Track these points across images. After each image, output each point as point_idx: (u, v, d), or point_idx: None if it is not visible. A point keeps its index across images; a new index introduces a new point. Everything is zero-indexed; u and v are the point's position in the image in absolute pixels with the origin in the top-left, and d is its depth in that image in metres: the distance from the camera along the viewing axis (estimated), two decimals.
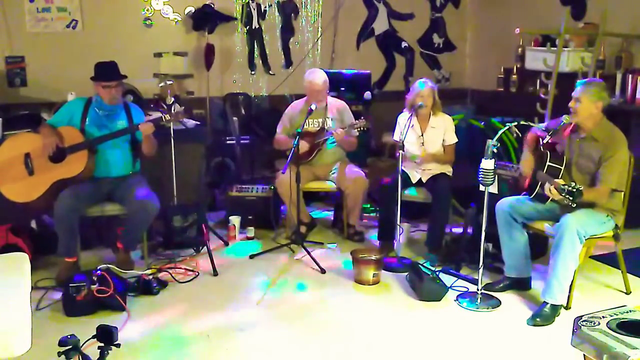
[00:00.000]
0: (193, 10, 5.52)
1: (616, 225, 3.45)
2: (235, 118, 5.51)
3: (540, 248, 4.04)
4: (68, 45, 5.22)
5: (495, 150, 3.29)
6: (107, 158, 3.91)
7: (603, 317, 2.38)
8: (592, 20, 5.19)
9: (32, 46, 5.11)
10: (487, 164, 3.28)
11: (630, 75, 4.81)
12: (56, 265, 3.86)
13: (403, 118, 4.30)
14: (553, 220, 3.47)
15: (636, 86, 4.74)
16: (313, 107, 4.29)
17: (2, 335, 2.13)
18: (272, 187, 4.73)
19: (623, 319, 2.36)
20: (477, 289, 3.52)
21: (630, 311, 2.44)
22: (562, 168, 3.41)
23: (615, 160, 3.28)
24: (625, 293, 3.63)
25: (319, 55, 6.15)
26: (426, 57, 6.74)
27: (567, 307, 3.39)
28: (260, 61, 5.95)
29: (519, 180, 3.72)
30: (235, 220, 4.65)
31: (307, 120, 4.37)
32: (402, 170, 4.04)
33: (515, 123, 3.61)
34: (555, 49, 5.05)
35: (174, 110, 4.06)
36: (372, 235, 4.62)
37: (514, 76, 5.70)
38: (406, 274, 3.83)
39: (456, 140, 4.31)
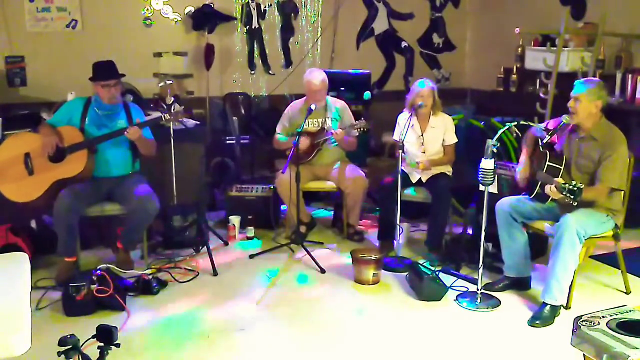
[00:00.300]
0: (193, 10, 5.52)
1: (616, 225, 3.45)
2: (235, 118, 5.51)
3: (540, 248, 4.04)
4: (68, 45, 5.23)
5: (495, 150, 3.29)
6: (107, 158, 3.91)
7: (603, 317, 2.38)
8: (592, 20, 5.19)
9: (32, 46, 5.11)
10: (487, 164, 3.28)
11: (630, 75, 4.82)
12: (56, 265, 3.86)
13: (403, 118, 4.30)
14: (553, 220, 3.47)
15: (636, 86, 4.75)
16: (313, 107, 4.29)
17: (2, 335, 2.13)
18: (272, 187, 4.74)
19: (623, 319, 2.36)
20: (477, 289, 3.52)
21: (630, 311, 2.44)
22: (562, 168, 3.40)
23: (614, 160, 3.28)
24: (625, 293, 3.63)
25: (319, 55, 6.15)
26: (426, 57, 6.74)
27: (567, 307, 3.39)
28: (260, 61, 5.96)
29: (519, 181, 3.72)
30: (235, 220, 4.65)
31: (307, 120, 4.37)
32: (402, 170, 4.04)
33: (515, 123, 3.61)
34: (555, 49, 5.05)
35: (174, 110, 4.06)
36: (373, 234, 4.62)
37: (514, 76, 5.71)
38: (406, 274, 3.83)
39: (456, 140, 4.30)
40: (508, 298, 3.58)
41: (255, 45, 5.91)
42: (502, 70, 5.92)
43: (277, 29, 5.98)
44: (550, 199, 3.37)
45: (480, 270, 3.50)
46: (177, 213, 4.37)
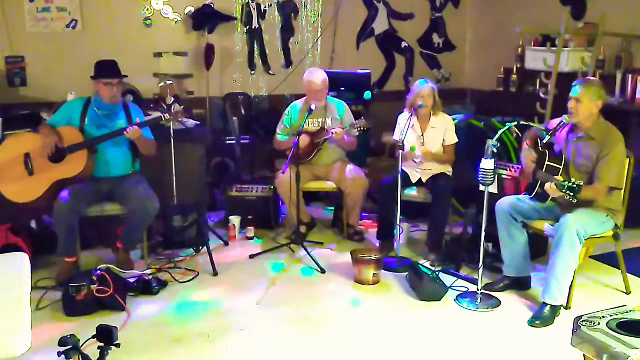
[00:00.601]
0: (193, 10, 5.52)
1: (616, 225, 3.45)
2: (235, 118, 5.51)
3: (540, 248, 4.04)
4: (68, 45, 5.22)
5: (495, 150, 3.29)
6: (107, 158, 3.91)
7: (603, 317, 2.38)
8: (592, 20, 5.19)
9: (32, 46, 5.11)
10: (487, 164, 3.28)
11: (630, 75, 4.81)
12: (56, 265, 3.86)
13: (403, 118, 4.30)
14: (553, 220, 3.47)
15: (636, 86, 4.74)
16: (313, 107, 4.29)
17: (2, 335, 2.13)
18: (272, 187, 4.74)
19: (623, 319, 2.36)
20: (477, 289, 3.52)
21: (630, 311, 2.44)
22: (561, 168, 3.41)
23: (612, 158, 3.28)
24: (625, 293, 3.63)
25: (319, 55, 6.15)
26: (426, 57, 6.74)
27: (567, 307, 3.39)
28: (260, 61, 5.96)
29: (519, 180, 3.71)
30: (235, 220, 4.65)
31: (307, 120, 4.37)
32: (402, 170, 4.04)
33: (515, 123, 3.61)
34: (555, 49, 5.05)
35: (174, 110, 4.06)
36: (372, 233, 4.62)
37: (514, 76, 5.70)
38: (406, 274, 3.83)
39: (456, 140, 4.30)
40: (508, 298, 3.58)
41: (255, 45, 5.91)
42: (502, 70, 5.92)
43: (277, 29, 5.98)
44: (550, 198, 3.37)
45: (480, 270, 3.50)
46: (177, 213, 4.37)
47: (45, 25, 5.14)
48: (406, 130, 4.06)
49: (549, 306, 3.29)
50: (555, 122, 3.55)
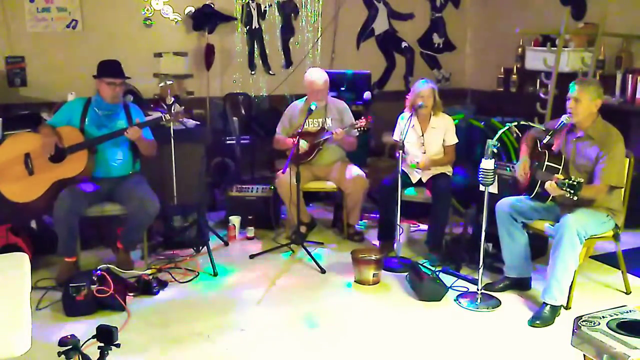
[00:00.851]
0: (193, 10, 5.52)
1: (616, 225, 3.45)
2: (235, 118, 5.51)
3: (540, 248, 4.04)
4: (68, 45, 5.22)
5: (495, 150, 3.29)
6: (107, 158, 3.91)
7: (603, 317, 2.38)
8: (592, 20, 5.18)
9: (32, 46, 5.10)
10: (487, 164, 3.28)
11: (630, 75, 4.81)
12: (56, 265, 3.86)
13: (403, 118, 4.30)
14: (553, 220, 3.47)
15: (636, 86, 4.74)
16: (313, 106, 4.29)
17: (2, 335, 2.13)
18: (272, 187, 4.74)
19: (623, 319, 2.36)
20: (477, 289, 3.52)
21: (630, 311, 2.44)
22: (561, 168, 3.41)
23: (611, 157, 3.28)
24: (625, 293, 3.63)
25: (319, 55, 6.15)
26: (426, 57, 6.74)
27: (567, 307, 3.39)
28: (260, 61, 5.95)
29: (519, 180, 3.72)
30: (235, 220, 4.65)
31: (307, 120, 4.37)
32: (402, 170, 4.04)
33: (515, 123, 3.61)
34: (555, 49, 5.05)
35: (174, 110, 4.06)
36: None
37: (514, 76, 5.71)
38: (406, 274, 3.83)
39: (457, 140, 4.30)
40: (508, 298, 3.58)
41: (255, 45, 5.90)
42: (502, 70, 5.92)
43: (277, 29, 5.97)
44: (550, 197, 3.37)
45: (480, 270, 3.50)
46: (177, 213, 4.37)
47: (45, 25, 5.14)
48: (406, 130, 4.06)
49: (549, 306, 3.29)
50: (554, 123, 3.55)
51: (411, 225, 4.75)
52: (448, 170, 4.30)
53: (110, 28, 5.33)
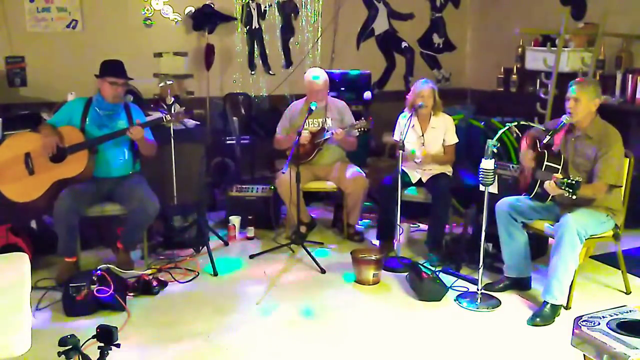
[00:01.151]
0: (193, 10, 5.52)
1: (616, 224, 3.45)
2: (235, 118, 5.51)
3: (540, 248, 4.04)
4: (68, 45, 5.23)
5: (495, 150, 3.29)
6: (107, 158, 3.91)
7: (603, 317, 2.38)
8: (592, 20, 5.18)
9: (32, 46, 5.10)
10: (487, 164, 3.28)
11: (630, 75, 4.81)
12: (56, 265, 3.86)
13: (403, 118, 4.30)
14: (553, 220, 3.47)
15: (636, 86, 4.74)
16: (313, 106, 4.29)
17: (2, 335, 2.13)
18: (272, 187, 4.74)
19: (623, 319, 2.36)
20: (477, 289, 3.52)
21: (630, 311, 2.44)
22: (560, 167, 3.41)
23: (610, 156, 3.28)
24: (625, 293, 3.63)
25: (319, 55, 6.15)
26: (426, 57, 6.74)
27: (567, 307, 3.39)
28: (260, 61, 5.96)
29: (519, 180, 3.72)
30: (235, 220, 4.65)
31: (307, 120, 4.37)
32: (402, 170, 4.04)
33: (515, 123, 3.61)
34: (555, 49, 5.05)
35: (174, 110, 4.06)
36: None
37: (514, 76, 5.70)
38: (406, 274, 3.83)
39: (457, 140, 4.30)
40: (508, 298, 3.58)
41: (255, 45, 5.91)
42: (502, 70, 5.92)
43: (277, 29, 5.98)
44: (550, 197, 3.37)
45: (480, 270, 3.50)
46: (177, 213, 4.37)
47: (45, 25, 5.14)
48: (406, 130, 4.06)
49: (549, 305, 3.29)
50: (554, 123, 3.55)
51: (411, 225, 4.75)
52: (448, 170, 4.30)
53: (110, 28, 5.34)
